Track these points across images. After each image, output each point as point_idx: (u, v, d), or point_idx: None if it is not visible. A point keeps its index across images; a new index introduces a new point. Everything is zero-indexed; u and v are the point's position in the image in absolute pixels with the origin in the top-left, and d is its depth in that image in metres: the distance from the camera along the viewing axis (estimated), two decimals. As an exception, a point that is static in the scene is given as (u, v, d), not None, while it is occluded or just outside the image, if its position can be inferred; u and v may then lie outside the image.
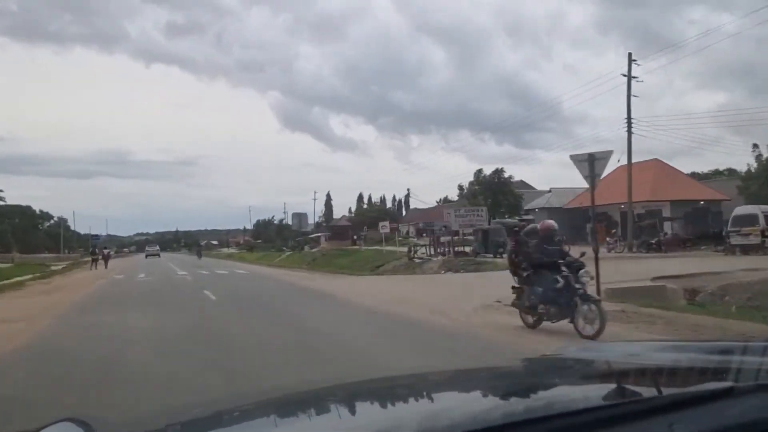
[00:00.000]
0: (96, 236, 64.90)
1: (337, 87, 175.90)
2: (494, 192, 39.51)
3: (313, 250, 63.72)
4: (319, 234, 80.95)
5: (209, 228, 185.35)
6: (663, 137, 62.34)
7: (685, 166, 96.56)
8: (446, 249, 33.04)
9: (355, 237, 70.06)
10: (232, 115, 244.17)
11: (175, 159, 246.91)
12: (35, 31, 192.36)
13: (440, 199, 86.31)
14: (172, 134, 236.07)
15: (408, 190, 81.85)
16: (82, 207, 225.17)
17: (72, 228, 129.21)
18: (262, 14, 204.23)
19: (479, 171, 41.48)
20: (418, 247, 36.14)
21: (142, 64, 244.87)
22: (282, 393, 1.82)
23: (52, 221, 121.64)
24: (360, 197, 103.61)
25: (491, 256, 29.59)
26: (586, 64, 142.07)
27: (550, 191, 45.40)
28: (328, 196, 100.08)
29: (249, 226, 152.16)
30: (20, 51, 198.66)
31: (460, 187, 38.61)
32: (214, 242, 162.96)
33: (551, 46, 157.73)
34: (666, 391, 1.25)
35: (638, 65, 30.53)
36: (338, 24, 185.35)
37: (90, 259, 41.74)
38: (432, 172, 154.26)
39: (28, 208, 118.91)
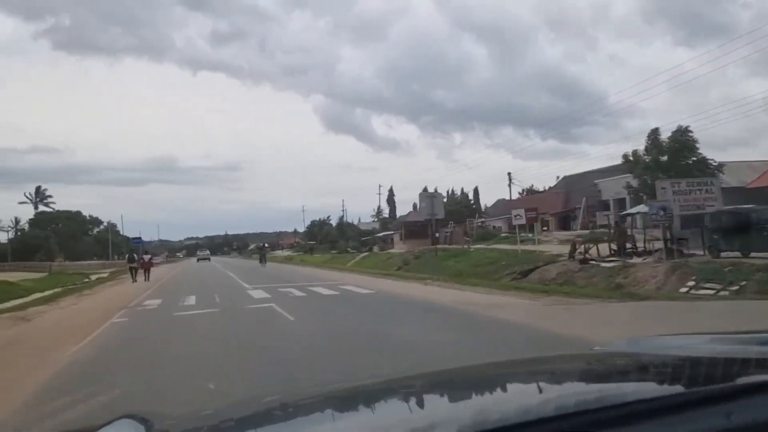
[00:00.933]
0: (137, 239, 54.18)
1: (378, 87, 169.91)
2: (675, 158, 26.91)
3: (390, 250, 52.24)
4: (389, 233, 69.39)
5: (256, 231, 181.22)
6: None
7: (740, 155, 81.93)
8: (649, 245, 21.10)
9: (437, 234, 58.41)
10: (277, 119, 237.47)
11: (222, 164, 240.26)
12: (88, 45, 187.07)
13: (523, 190, 73.68)
14: (218, 140, 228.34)
15: (509, 174, 69.13)
16: (135, 213, 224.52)
17: (121, 233, 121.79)
18: (303, 18, 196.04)
19: (655, 130, 28.73)
20: (585, 243, 24.03)
21: (189, 73, 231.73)
22: (341, 388, 1.83)
23: (101, 227, 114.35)
24: (424, 190, 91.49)
25: (739, 254, 17.40)
26: (632, 55, 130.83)
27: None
28: (391, 191, 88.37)
29: (299, 228, 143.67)
30: (74, 64, 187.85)
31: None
32: (265, 245, 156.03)
33: (596, 38, 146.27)
34: (721, 381, 1.23)
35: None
36: (378, 25, 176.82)
37: (128, 267, 31.08)
38: (476, 170, 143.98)
39: (78, 213, 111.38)
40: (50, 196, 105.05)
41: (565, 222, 50.20)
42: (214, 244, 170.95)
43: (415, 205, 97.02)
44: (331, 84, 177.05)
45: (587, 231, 37.36)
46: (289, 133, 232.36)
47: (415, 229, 61.47)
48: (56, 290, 26.66)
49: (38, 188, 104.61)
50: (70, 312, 14.76)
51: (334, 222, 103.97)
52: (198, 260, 75.13)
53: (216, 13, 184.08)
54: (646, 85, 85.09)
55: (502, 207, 63.09)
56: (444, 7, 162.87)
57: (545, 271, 24.02)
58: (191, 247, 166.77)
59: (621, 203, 44.56)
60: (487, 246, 38.41)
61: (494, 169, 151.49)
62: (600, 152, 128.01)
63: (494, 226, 59.15)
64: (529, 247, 31.46)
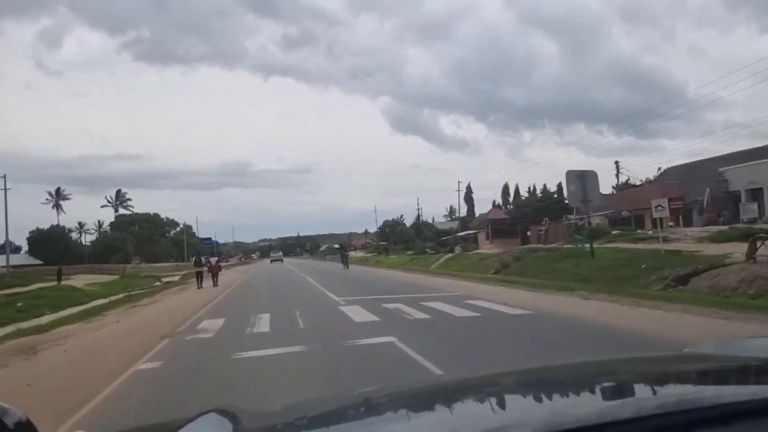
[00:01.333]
0: (207, 240, 50.98)
1: (446, 87, 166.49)
2: None
3: (478, 250, 46.63)
4: (470, 232, 63.59)
5: (327, 232, 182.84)
6: None
7: None
8: None
9: (528, 232, 52.16)
10: (345, 122, 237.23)
11: (293, 167, 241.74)
12: (166, 55, 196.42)
13: (622, 184, 65.85)
14: (289, 143, 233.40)
15: (617, 163, 61.93)
16: (210, 216, 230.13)
17: (197, 235, 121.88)
18: (370, 21, 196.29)
19: None
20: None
21: (260, 78, 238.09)
22: (421, 386, 1.82)
23: (177, 229, 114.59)
24: (505, 189, 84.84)
25: None
26: (713, 44, 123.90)
27: None
28: (469, 188, 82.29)
29: (370, 228, 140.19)
30: (153, 74, 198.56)
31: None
32: (336, 245, 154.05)
33: (673, 28, 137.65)
34: None
35: None
36: (445, 24, 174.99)
37: (195, 271, 27.12)
38: (547, 168, 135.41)
39: (156, 216, 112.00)
40: (129, 200, 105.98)
41: (685, 217, 42.77)
42: (287, 246, 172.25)
43: (494, 202, 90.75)
44: (398, 85, 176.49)
45: (724, 227, 30.63)
46: (358, 135, 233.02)
47: (502, 227, 55.63)
48: (113, 298, 22.96)
49: (118, 192, 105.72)
50: (97, 339, 10.21)
51: (407, 222, 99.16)
52: (271, 261, 76.77)
53: (286, 19, 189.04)
54: (728, 76, 75.61)
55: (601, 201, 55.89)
56: (512, 4, 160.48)
57: (718, 277, 17.82)
58: (264, 249, 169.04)
59: (756, 194, 37.09)
60: (601, 245, 32.04)
61: (566, 167, 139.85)
62: (679, 147, 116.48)
63: (589, 223, 52.23)
64: (668, 246, 25.03)
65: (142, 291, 27.16)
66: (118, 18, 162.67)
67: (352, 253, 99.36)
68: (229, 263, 49.33)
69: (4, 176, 50.35)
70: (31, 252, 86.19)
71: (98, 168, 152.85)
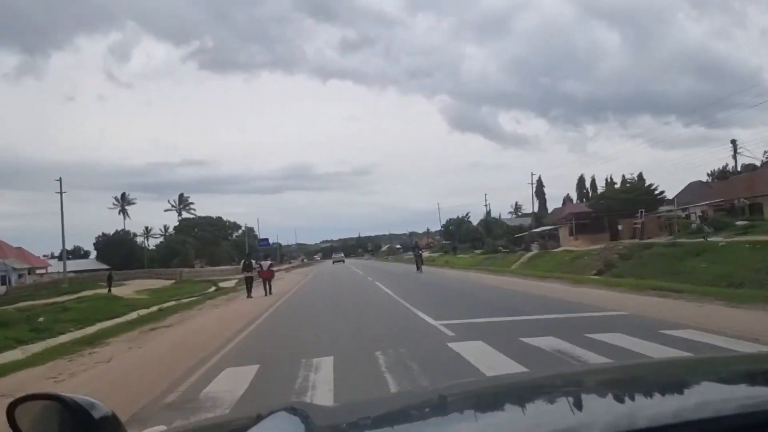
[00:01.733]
0: (263, 241, 46.69)
1: (505, 83, 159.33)
2: None
3: (565, 248, 40.52)
4: (546, 228, 57.17)
5: (387, 232, 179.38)
6: None
7: None
8: None
9: (619, 226, 45.46)
10: (403, 123, 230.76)
11: (352, 169, 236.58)
12: (228, 63, 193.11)
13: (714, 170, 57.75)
14: (349, 145, 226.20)
15: (733, 142, 54.14)
16: (273, 219, 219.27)
17: (259, 237, 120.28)
18: (427, 21, 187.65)
19: None
20: None
21: (319, 82, 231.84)
22: (489, 384, 1.85)
23: (240, 231, 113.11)
24: (581, 181, 77.43)
25: None
26: None
27: None
28: (540, 182, 75.41)
29: (432, 227, 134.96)
30: (217, 82, 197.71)
31: None
32: (398, 246, 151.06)
33: (744, 12, 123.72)
34: None
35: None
36: (503, 20, 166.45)
37: (244, 277, 22.76)
38: (612, 162, 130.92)
39: (219, 219, 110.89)
40: (192, 203, 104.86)
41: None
42: (348, 247, 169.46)
43: (567, 196, 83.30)
44: (456, 83, 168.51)
45: None
46: (416, 135, 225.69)
47: (587, 222, 49.12)
48: (143, 312, 18.82)
49: (181, 195, 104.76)
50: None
51: (473, 220, 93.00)
52: (333, 262, 78.24)
53: (343, 22, 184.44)
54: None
55: (700, 192, 48.20)
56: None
57: None
58: (326, 250, 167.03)
59: None
60: (730, 239, 25.33)
61: (632, 160, 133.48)
62: (750, 135, 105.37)
63: (686, 215, 44.82)
64: None
65: (186, 300, 23.04)
66: (183, 29, 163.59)
67: None
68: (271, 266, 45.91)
69: (60, 179, 48.33)
70: (99, 257, 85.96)
71: (166, 175, 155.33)
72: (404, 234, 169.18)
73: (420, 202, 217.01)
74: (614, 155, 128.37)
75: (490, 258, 46.78)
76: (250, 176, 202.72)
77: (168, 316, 15.43)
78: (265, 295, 20.92)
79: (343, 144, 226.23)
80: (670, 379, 1.50)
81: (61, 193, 47.65)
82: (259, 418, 1.24)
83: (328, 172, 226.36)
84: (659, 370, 1.68)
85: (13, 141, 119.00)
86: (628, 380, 1.53)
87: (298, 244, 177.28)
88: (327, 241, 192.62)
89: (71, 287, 41.52)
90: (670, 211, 43.07)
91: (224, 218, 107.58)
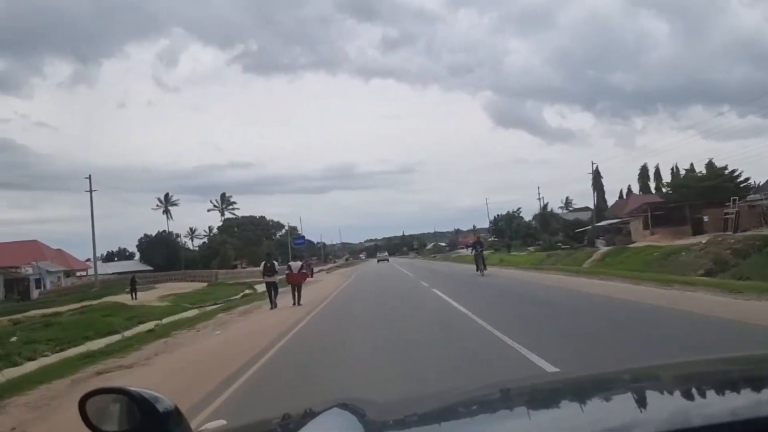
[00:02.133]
0: (299, 239, 41.88)
1: (549, 77, 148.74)
2: None
3: (643, 244, 34.61)
4: (612, 221, 50.84)
5: (432, 230, 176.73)
6: None
7: None
8: None
9: (705, 217, 39.00)
10: (446, 120, 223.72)
11: (396, 167, 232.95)
12: (272, 65, 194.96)
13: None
14: (391, 144, 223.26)
15: None
16: (318, 219, 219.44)
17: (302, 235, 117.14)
18: (468, 16, 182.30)
19: None
20: None
21: (361, 81, 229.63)
22: (543, 381, 1.87)
23: (283, 230, 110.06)
24: (643, 171, 70.30)
25: None
26: None
27: None
28: (597, 173, 68.55)
29: (479, 224, 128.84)
30: (261, 84, 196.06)
31: None
32: (442, 244, 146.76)
33: None
34: None
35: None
36: (546, 12, 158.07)
37: (266, 282, 17.57)
38: (662, 155, 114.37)
39: (262, 218, 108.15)
40: (234, 203, 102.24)
41: None
42: (392, 245, 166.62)
43: (624, 191, 75.89)
44: (499, 79, 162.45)
45: None
46: (459, 132, 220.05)
47: (661, 213, 42.73)
48: (135, 332, 14.52)
49: (223, 195, 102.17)
50: None
51: (523, 215, 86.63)
52: (378, 261, 77.91)
53: (385, 20, 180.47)
54: None
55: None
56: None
57: None
58: (370, 249, 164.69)
59: None
60: None
61: (684, 152, 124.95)
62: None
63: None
64: None
65: (192, 314, 18.79)
66: (227, 33, 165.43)
67: (463, 252, 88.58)
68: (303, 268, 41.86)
69: (89, 177, 45.38)
70: (142, 258, 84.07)
71: (214, 177, 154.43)
72: (449, 232, 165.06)
73: (464, 200, 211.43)
74: (664, 148, 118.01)
75: (552, 256, 41.13)
76: (294, 176, 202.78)
77: (148, 343, 10.92)
78: (293, 304, 16.38)
79: (387, 142, 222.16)
80: (724, 376, 1.42)
81: (90, 191, 44.78)
82: (311, 415, 1.23)
83: (371, 171, 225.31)
84: (713, 368, 1.61)
85: (69, 147, 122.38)
86: (683, 378, 1.46)
87: (343, 243, 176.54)
88: (371, 240, 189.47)
89: (99, 291, 38.27)
90: (761, 200, 36.40)
91: (267, 217, 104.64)
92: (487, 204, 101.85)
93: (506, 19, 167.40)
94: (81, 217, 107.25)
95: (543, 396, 1.46)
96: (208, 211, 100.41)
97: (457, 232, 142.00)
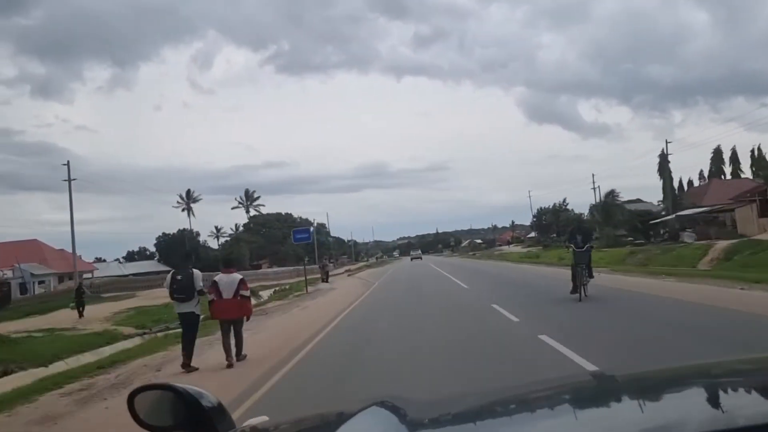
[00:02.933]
0: (302, 232, 32.21)
1: (585, 71, 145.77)
2: None
3: (759, 236, 24.64)
4: (702, 210, 40.54)
5: (466, 227, 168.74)
6: None
7: None
8: None
9: None
10: (479, 116, 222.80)
11: (428, 165, 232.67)
12: (305, 65, 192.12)
13: None
14: (424, 141, 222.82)
15: None
16: (351, 217, 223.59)
17: (331, 234, 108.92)
18: (500, 11, 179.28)
19: None
20: None
21: (393, 79, 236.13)
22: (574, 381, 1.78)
23: (311, 228, 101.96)
24: (717, 154, 59.33)
25: None
26: None
27: None
28: (664, 157, 57.71)
29: (518, 220, 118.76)
30: (293, 84, 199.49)
31: None
32: (478, 241, 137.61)
33: None
34: None
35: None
36: (580, 4, 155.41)
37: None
38: (702, 149, 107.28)
39: (288, 215, 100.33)
40: (258, 198, 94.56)
41: None
42: (425, 243, 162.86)
43: (701, 173, 64.54)
44: (533, 73, 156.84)
45: None
46: (492, 128, 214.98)
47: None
48: None
49: (247, 191, 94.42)
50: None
51: (576, 209, 76.08)
52: (411, 259, 75.85)
53: (416, 17, 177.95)
54: None
55: None
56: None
57: None
58: (403, 246, 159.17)
59: None
60: None
61: (726, 145, 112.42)
62: None
63: None
64: None
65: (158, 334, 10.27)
66: (260, 35, 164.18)
67: (506, 249, 78.17)
68: (324, 267, 33.21)
69: (67, 163, 37.72)
70: (161, 258, 77.10)
71: (248, 177, 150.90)
72: (483, 229, 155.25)
73: (497, 197, 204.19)
74: (703, 141, 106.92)
75: (635, 253, 31.41)
76: (327, 176, 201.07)
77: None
78: (227, 362, 7.68)
79: (418, 140, 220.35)
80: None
81: (69, 180, 37.04)
82: (350, 414, 1.21)
83: (403, 169, 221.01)
84: (752, 368, 1.51)
85: (108, 149, 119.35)
86: (724, 378, 1.38)
87: (376, 241, 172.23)
88: (404, 238, 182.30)
89: (55, 302, 30.33)
90: None
91: (294, 215, 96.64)
92: (530, 196, 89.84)
93: (539, 12, 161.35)
94: (116, 218, 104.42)
95: (583, 395, 1.40)
96: (232, 209, 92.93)
97: (494, 228, 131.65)
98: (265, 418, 1.51)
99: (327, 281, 30.21)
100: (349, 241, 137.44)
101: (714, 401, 1.14)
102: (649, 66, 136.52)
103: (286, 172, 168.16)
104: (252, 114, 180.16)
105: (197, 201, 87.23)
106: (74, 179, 36.18)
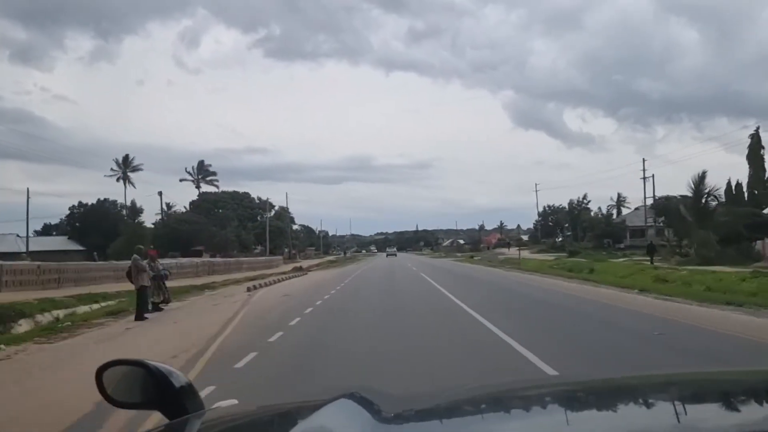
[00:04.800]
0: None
1: (574, 80, 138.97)
2: None
3: None
4: None
5: (444, 227, 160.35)
6: None
7: None
8: None
9: None
10: (466, 117, 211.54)
11: (413, 162, 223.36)
12: (294, 52, 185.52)
13: None
14: (410, 138, 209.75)
15: None
16: (330, 209, 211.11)
17: (295, 221, 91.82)
18: (495, 12, 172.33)
19: None
20: None
21: (382, 73, 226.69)
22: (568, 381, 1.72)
23: (272, 212, 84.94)
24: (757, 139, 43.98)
25: None
26: None
27: None
28: (757, 138, 41.74)
29: (512, 223, 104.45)
30: (282, 70, 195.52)
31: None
32: (461, 241, 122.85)
33: None
34: None
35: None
36: (575, 13, 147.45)
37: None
38: (679, 166, 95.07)
39: (245, 195, 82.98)
40: (214, 173, 76.98)
41: None
42: (404, 239, 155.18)
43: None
44: (522, 78, 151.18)
45: None
46: (478, 130, 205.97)
47: None
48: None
49: (201, 163, 76.67)
50: None
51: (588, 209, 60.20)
52: (387, 255, 78.14)
53: (412, 12, 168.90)
54: None
55: None
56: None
57: None
58: (380, 242, 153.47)
59: None
60: None
61: (703, 164, 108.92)
62: None
63: None
64: None
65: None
66: (251, 17, 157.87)
67: (508, 252, 61.16)
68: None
69: None
70: (73, 235, 58.95)
71: (231, 161, 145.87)
72: (464, 230, 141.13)
73: (480, 199, 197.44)
74: (682, 158, 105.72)
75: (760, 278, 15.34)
76: (311, 165, 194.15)
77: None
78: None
79: (405, 136, 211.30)
80: (735, 388, 1.28)
81: None
82: (319, 404, 1.13)
83: (388, 164, 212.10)
84: (722, 378, 1.48)
85: (87, 122, 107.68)
86: (692, 388, 1.32)
87: (353, 235, 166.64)
88: (382, 233, 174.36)
89: None
90: None
91: (252, 194, 79.27)
92: (536, 190, 71.67)
93: (534, 17, 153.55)
94: (93, 193, 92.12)
95: (559, 397, 1.33)
96: (180, 180, 75.20)
97: (481, 228, 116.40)
98: (234, 401, 1.54)
99: (162, 305, 13.07)
100: (320, 231, 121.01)
101: (672, 413, 1.05)
102: (637, 79, 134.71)
103: (269, 159, 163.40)
104: (237, 97, 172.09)
105: (137, 170, 69.14)
106: None
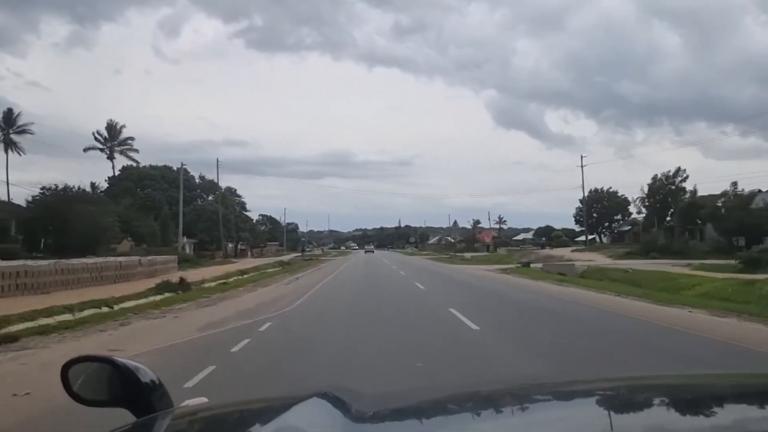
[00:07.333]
0: None
1: (557, 81, 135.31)
2: None
3: None
4: None
5: (424, 225, 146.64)
6: None
7: None
8: None
9: None
10: (448, 115, 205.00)
11: (393, 159, 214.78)
12: (276, 43, 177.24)
13: None
14: (391, 135, 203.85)
15: None
16: (309, 204, 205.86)
17: (247, 209, 71.20)
18: (480, 11, 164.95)
19: None
20: None
21: (365, 68, 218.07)
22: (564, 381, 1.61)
23: (216, 193, 63.59)
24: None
25: None
26: None
27: None
28: None
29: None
30: (263, 62, 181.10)
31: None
32: (449, 238, 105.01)
33: None
34: None
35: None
36: (559, 15, 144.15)
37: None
38: (654, 169, 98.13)
39: (168, 169, 58.82)
40: (131, 140, 55.15)
41: None
42: (384, 236, 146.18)
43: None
44: (505, 78, 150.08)
45: None
46: (460, 128, 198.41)
47: None
48: None
49: (112, 127, 54.92)
50: None
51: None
52: (365, 252, 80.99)
53: (395, 7, 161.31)
54: None
55: None
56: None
57: None
58: (358, 238, 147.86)
59: None
60: None
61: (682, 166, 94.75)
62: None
63: None
64: None
65: None
66: (233, 6, 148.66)
67: (557, 252, 36.23)
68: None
69: None
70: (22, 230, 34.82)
71: (208, 152, 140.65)
72: (441, 228, 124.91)
73: (458, 198, 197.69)
74: (662, 162, 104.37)
75: None
76: (290, 160, 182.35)
77: None
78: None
79: (387, 133, 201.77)
80: (714, 391, 1.23)
81: None
82: (292, 402, 1.10)
83: (369, 161, 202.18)
84: (703, 382, 1.42)
85: (61, 110, 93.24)
86: (667, 392, 1.25)
87: (331, 231, 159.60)
88: (360, 230, 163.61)
89: None
90: None
91: (191, 171, 58.11)
92: (582, 165, 51.60)
93: (518, 17, 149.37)
94: (64, 182, 71.64)
95: (539, 397, 1.27)
96: (85, 150, 53.46)
97: (477, 224, 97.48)
98: (204, 399, 1.40)
99: None
100: (289, 224, 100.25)
101: (652, 415, 1.02)
102: (619, 82, 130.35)
103: (248, 152, 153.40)
104: (217, 89, 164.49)
105: (29, 132, 46.96)
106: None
